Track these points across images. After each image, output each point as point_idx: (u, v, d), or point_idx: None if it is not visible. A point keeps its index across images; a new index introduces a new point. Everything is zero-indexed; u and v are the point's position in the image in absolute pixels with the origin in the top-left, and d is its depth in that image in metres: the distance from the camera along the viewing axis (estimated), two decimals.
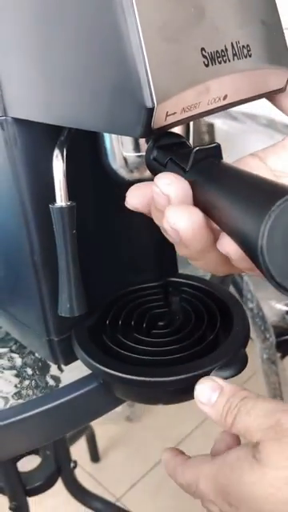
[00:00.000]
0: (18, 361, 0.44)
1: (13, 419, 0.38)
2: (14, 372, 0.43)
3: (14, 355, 0.45)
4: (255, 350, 0.97)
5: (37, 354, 0.44)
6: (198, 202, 0.26)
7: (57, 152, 0.32)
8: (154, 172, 0.28)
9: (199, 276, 0.46)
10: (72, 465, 0.84)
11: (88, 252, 0.37)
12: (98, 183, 0.37)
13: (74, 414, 0.40)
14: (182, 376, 0.34)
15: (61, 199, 0.32)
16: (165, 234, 0.27)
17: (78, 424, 0.41)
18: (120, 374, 0.35)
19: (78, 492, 0.86)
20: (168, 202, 0.26)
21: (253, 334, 0.91)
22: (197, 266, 0.29)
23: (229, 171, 0.25)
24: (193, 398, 0.38)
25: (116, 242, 0.43)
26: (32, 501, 0.81)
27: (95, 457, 1.30)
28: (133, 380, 0.35)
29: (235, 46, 0.27)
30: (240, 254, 0.24)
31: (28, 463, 0.87)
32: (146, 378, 0.35)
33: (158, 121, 0.25)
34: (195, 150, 0.26)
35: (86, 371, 0.39)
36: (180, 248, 0.27)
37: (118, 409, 1.46)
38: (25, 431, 0.39)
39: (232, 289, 0.91)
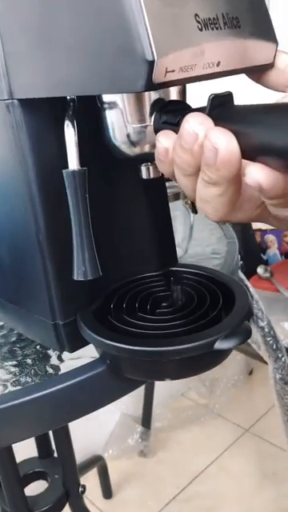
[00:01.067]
0: (19, 353, 0.44)
1: (22, 400, 0.38)
2: (14, 362, 0.43)
3: (16, 348, 0.45)
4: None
5: (38, 347, 0.44)
6: None
7: (67, 122, 0.34)
8: None
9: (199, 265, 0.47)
10: (80, 489, 0.82)
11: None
12: (101, 161, 0.39)
13: (82, 398, 0.40)
14: (187, 345, 0.35)
15: (73, 164, 0.34)
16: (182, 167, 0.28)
17: (86, 410, 0.40)
18: (127, 346, 0.36)
19: None
20: (196, 141, 0.27)
21: (264, 353, 0.90)
22: (212, 209, 0.29)
23: (248, 106, 0.27)
24: (199, 373, 0.38)
25: (116, 229, 0.44)
26: None
27: (107, 492, 1.26)
28: (139, 351, 0.35)
29: (225, 16, 0.30)
30: (271, 178, 0.25)
31: (36, 489, 0.85)
32: (152, 347, 0.35)
33: (159, 76, 0.27)
34: (211, 96, 0.28)
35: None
36: (210, 172, 0.27)
37: (131, 443, 1.43)
38: (30, 414, 0.39)
39: None
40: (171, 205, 0.62)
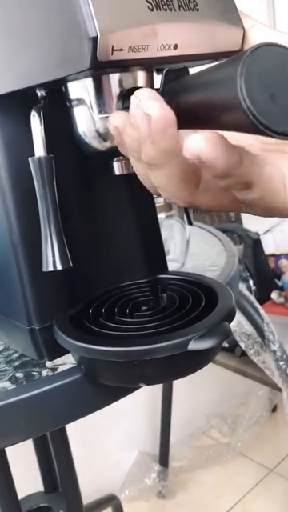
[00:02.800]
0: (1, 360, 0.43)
1: None
2: None
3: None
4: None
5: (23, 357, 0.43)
6: (178, 111, 0.25)
7: (33, 113, 0.34)
8: None
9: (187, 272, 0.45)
10: None
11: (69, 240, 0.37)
12: (85, 171, 0.38)
13: (59, 406, 0.38)
14: (158, 344, 0.33)
15: (39, 151, 0.33)
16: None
17: (64, 419, 0.39)
18: (96, 347, 0.34)
19: None
20: (148, 118, 0.25)
21: (278, 379, 0.86)
22: (171, 194, 0.28)
23: (196, 73, 0.26)
24: (175, 378, 0.35)
25: (102, 237, 0.43)
26: None
27: None
28: (108, 351, 0.33)
29: None
30: (210, 148, 0.23)
31: None
32: (121, 347, 0.33)
33: (104, 53, 0.26)
34: (165, 70, 0.27)
35: None
36: (147, 148, 0.26)
37: (149, 482, 1.37)
38: (5, 422, 0.37)
39: (253, 330, 0.87)
40: (168, 219, 0.61)
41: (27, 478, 0.83)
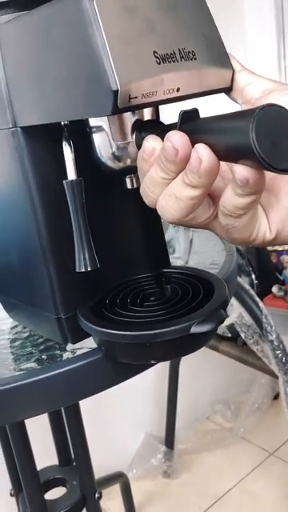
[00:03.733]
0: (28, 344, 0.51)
1: (21, 382, 0.44)
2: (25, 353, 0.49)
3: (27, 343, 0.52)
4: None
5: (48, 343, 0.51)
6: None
7: (65, 143, 0.41)
8: None
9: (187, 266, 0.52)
10: (97, 495, 0.86)
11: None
12: (94, 177, 0.45)
13: (83, 382, 0.46)
14: (167, 329, 0.40)
15: (71, 175, 0.41)
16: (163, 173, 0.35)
17: (87, 392, 0.46)
18: (115, 332, 0.42)
19: None
20: (176, 154, 0.33)
21: (275, 367, 0.93)
22: (176, 207, 0.35)
23: (210, 118, 0.34)
24: (181, 355, 0.43)
25: (112, 237, 0.50)
26: None
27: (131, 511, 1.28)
28: (125, 335, 0.41)
29: (182, 51, 0.36)
30: (253, 174, 0.31)
31: (56, 494, 0.89)
32: (136, 332, 0.41)
33: (123, 101, 0.33)
34: (181, 112, 0.35)
35: None
36: (192, 177, 0.33)
37: (155, 463, 1.46)
38: (32, 396, 0.45)
39: (252, 321, 0.94)
40: None
41: (44, 452, 0.91)
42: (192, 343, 0.43)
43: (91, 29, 0.33)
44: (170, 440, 1.43)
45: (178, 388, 1.40)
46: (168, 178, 0.35)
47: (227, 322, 1.05)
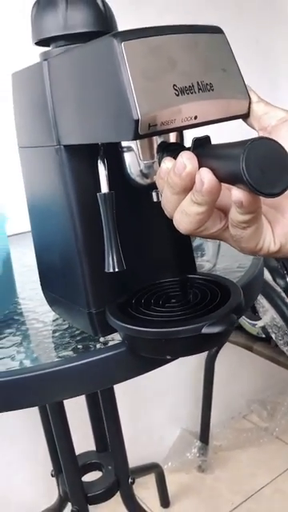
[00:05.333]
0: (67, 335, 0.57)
1: (59, 367, 0.50)
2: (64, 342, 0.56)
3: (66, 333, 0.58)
4: None
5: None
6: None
7: (99, 161, 0.48)
8: None
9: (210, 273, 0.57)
10: (130, 480, 0.92)
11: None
12: (124, 189, 0.51)
13: (108, 371, 0.52)
14: (180, 328, 0.45)
15: (104, 189, 0.47)
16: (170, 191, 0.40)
17: (112, 380, 0.52)
18: (136, 328, 0.47)
19: (136, 508, 0.93)
20: (184, 169, 0.39)
21: None
22: (188, 221, 0.40)
23: (215, 145, 0.40)
24: (193, 353, 0.48)
25: (142, 243, 0.56)
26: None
27: (165, 502, 1.34)
28: (145, 331, 0.47)
29: (200, 83, 0.41)
30: (247, 198, 0.36)
31: (92, 477, 0.96)
32: (154, 329, 0.46)
33: (143, 129, 0.39)
34: (194, 139, 0.40)
35: None
36: (197, 196, 0.38)
37: (190, 457, 1.51)
38: (68, 380, 0.51)
39: (283, 323, 0.97)
40: None
41: (84, 438, 0.98)
42: (204, 343, 0.48)
43: (119, 66, 0.39)
44: (205, 436, 1.47)
45: (215, 386, 1.44)
46: (174, 193, 0.40)
47: (260, 323, 1.08)
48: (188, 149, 0.41)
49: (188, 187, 0.40)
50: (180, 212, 0.41)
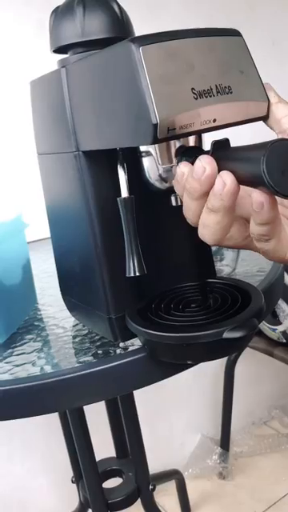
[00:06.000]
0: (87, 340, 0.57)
1: (79, 373, 0.50)
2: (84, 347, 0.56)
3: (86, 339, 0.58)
4: None
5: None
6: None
7: (119, 166, 0.48)
8: None
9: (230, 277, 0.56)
10: (151, 487, 0.91)
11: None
12: (142, 193, 0.51)
13: (129, 376, 0.52)
14: (202, 332, 0.45)
15: (124, 193, 0.48)
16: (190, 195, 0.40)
17: (133, 386, 0.52)
18: (155, 332, 0.47)
19: None
20: (203, 173, 0.38)
21: None
22: (210, 233, 0.40)
23: (235, 148, 0.39)
24: (215, 358, 0.48)
25: (162, 248, 0.56)
26: None
27: (186, 509, 1.32)
28: (165, 336, 0.46)
29: (218, 86, 0.41)
30: (269, 200, 0.36)
31: (113, 484, 0.96)
32: (175, 334, 0.46)
33: (162, 133, 0.39)
34: (213, 142, 0.40)
35: None
36: (215, 200, 0.38)
37: (210, 463, 1.49)
38: (89, 385, 0.51)
39: None
40: None
41: (102, 444, 0.98)
42: (225, 347, 0.47)
43: (137, 71, 0.39)
44: (225, 442, 1.46)
45: (235, 392, 1.42)
46: (194, 199, 0.40)
47: (281, 328, 1.07)
48: (207, 152, 0.41)
49: (207, 192, 0.39)
50: (202, 226, 0.41)
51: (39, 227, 0.74)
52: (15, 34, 1.06)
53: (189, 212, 0.42)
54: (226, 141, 0.41)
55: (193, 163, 0.41)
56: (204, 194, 0.40)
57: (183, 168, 0.42)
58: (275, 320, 1.14)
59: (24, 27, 1.07)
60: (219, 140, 0.40)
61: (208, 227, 0.40)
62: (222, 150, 0.40)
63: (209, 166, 0.39)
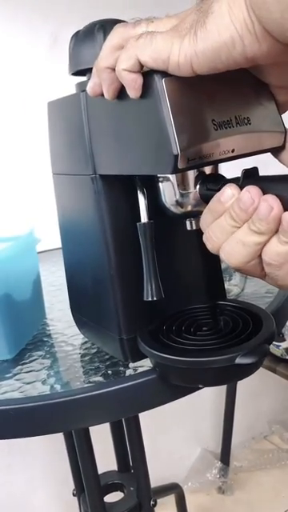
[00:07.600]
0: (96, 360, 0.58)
1: (90, 393, 0.50)
2: (93, 367, 0.56)
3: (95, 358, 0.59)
4: None
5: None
6: None
7: (139, 191, 0.49)
8: (207, 198, 0.43)
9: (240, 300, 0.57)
10: (152, 503, 0.91)
11: None
12: (157, 217, 0.52)
13: (139, 397, 0.52)
14: (213, 358, 0.45)
15: (144, 218, 0.48)
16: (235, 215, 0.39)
17: (142, 407, 0.52)
18: (168, 356, 0.47)
19: None
20: (252, 205, 0.38)
21: None
22: (242, 253, 0.39)
23: (269, 176, 0.40)
24: (226, 383, 0.48)
25: (174, 270, 0.56)
26: None
27: None
28: (177, 360, 0.47)
29: (238, 117, 0.42)
30: None
31: (114, 498, 0.96)
32: (187, 358, 0.46)
33: (183, 163, 0.39)
34: (243, 170, 0.40)
35: None
36: (260, 224, 0.38)
37: (210, 478, 1.49)
38: (99, 406, 0.51)
39: None
40: None
41: (103, 456, 0.98)
42: (237, 373, 0.47)
43: (159, 102, 0.39)
44: (225, 456, 1.46)
45: (236, 407, 1.42)
46: (237, 226, 0.40)
47: (285, 344, 1.08)
48: (231, 180, 0.41)
49: (249, 219, 0.39)
50: (235, 243, 0.40)
51: (48, 238, 0.74)
52: (29, 50, 1.07)
53: (219, 235, 0.41)
54: (255, 169, 0.41)
55: (218, 190, 0.41)
56: (245, 221, 0.39)
57: (234, 191, 0.40)
58: (279, 337, 1.14)
59: (38, 42, 1.08)
60: (248, 169, 0.41)
61: (245, 246, 0.39)
62: (252, 178, 0.40)
63: (257, 197, 0.38)
